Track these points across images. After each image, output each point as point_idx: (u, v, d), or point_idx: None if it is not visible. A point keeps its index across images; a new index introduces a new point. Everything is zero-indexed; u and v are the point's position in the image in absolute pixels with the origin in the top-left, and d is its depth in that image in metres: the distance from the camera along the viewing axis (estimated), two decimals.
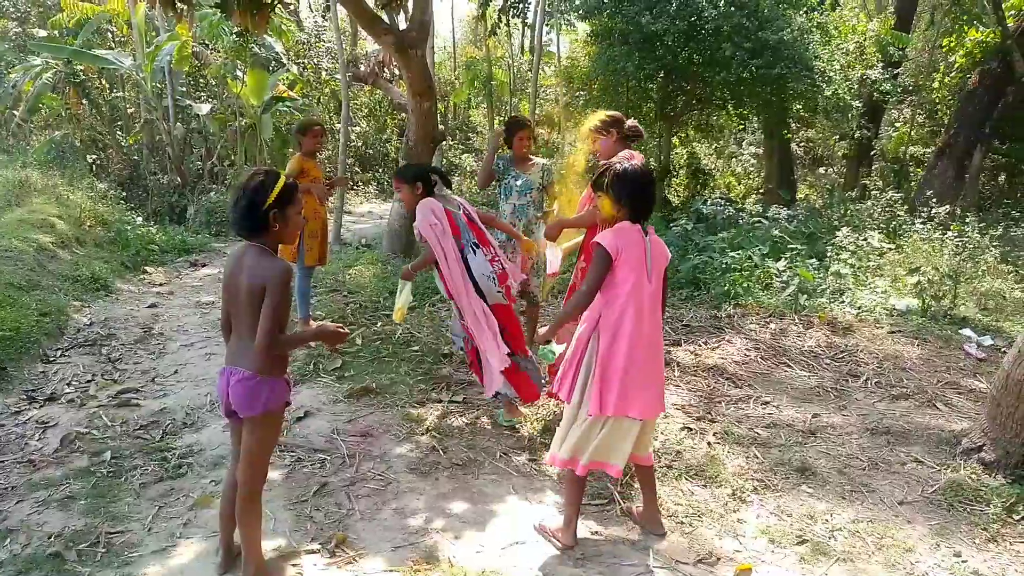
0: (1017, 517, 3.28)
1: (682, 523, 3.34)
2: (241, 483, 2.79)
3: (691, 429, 4.23)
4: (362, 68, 10.81)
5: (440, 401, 4.66)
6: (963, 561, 3.01)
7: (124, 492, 3.66)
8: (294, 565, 3.03)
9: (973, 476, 3.61)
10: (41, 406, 4.65)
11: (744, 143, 17.54)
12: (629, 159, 3.66)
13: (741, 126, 16.18)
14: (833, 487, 3.59)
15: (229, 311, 2.77)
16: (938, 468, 3.73)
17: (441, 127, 15.37)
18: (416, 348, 5.51)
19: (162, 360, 5.58)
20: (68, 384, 5.03)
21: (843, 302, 6.57)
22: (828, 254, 7.72)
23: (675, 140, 15.60)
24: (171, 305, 7.19)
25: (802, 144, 18.24)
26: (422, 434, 4.24)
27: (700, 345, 5.64)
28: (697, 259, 7.50)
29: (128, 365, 5.50)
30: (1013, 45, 10.83)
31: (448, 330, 4.63)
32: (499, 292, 4.16)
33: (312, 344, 5.37)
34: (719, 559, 3.07)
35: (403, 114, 18.01)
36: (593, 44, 14.37)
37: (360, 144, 18.39)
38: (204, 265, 9.19)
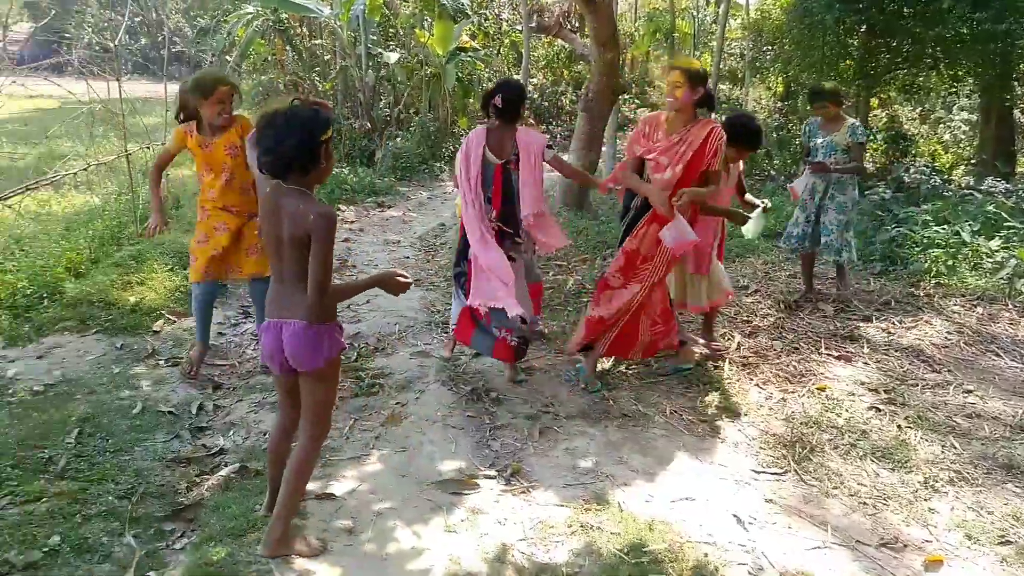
0: None
1: (864, 504, 3.19)
2: (310, 436, 2.70)
3: (879, 409, 3.99)
4: (546, 18, 10.81)
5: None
6: None
7: None
8: (320, 540, 2.87)
9: None
10: (255, 321, 5.20)
11: (955, 108, 15.76)
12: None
13: (953, 89, 14.55)
14: None
15: (274, 257, 2.57)
16: None
17: (622, 80, 15.08)
18: (586, 299, 5.56)
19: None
20: None
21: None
22: None
23: (874, 102, 14.34)
24: (362, 241, 7.72)
25: None
26: (590, 390, 4.30)
27: (894, 324, 5.24)
28: (895, 231, 6.92)
29: None
30: None
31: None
32: None
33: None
34: (906, 546, 2.91)
35: (579, 66, 17.89)
36: None
37: (536, 96, 18.50)
38: (390, 207, 9.74)
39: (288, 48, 14.75)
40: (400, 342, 4.87)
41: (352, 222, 8.48)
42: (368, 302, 5.63)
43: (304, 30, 15.52)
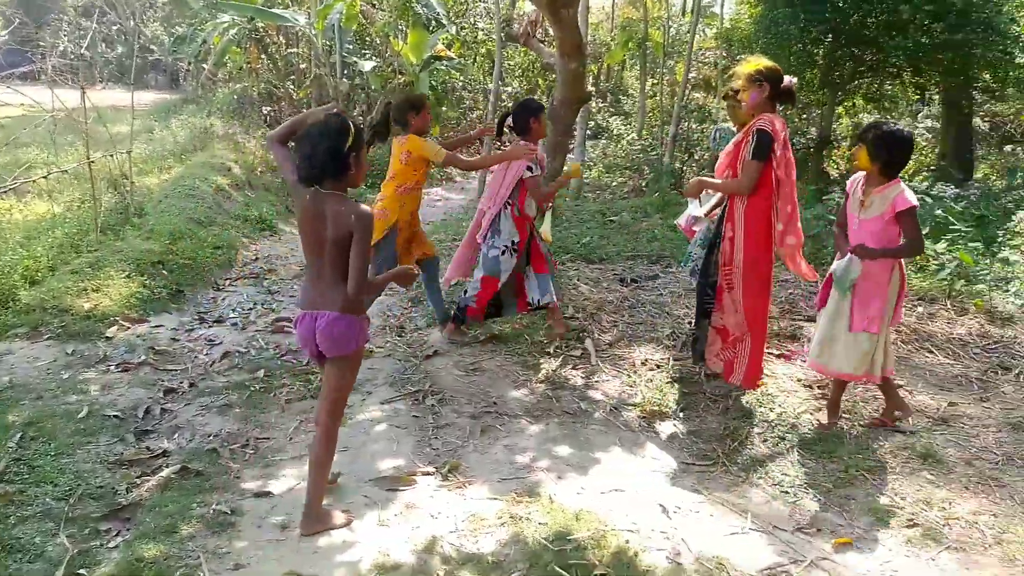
0: None
1: (786, 492, 3.31)
2: (324, 429, 2.92)
3: (815, 405, 4.12)
4: (515, 27, 10.96)
5: (557, 354, 4.81)
6: None
7: (272, 405, 4.13)
8: (344, 511, 3.10)
9: None
10: (210, 326, 5.28)
11: (919, 116, 16.08)
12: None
13: (917, 96, 14.86)
14: (958, 477, 3.40)
15: (312, 255, 2.82)
16: None
17: (591, 89, 15.25)
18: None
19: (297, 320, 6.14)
20: (233, 310, 5.66)
21: (1007, 291, 6.01)
22: (999, 239, 7.05)
23: (840, 109, 14.62)
24: None
25: (988, 120, 16.46)
26: (539, 382, 4.42)
27: None
28: None
29: (284, 297, 6.08)
30: None
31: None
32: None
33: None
34: (819, 530, 3.04)
35: (554, 75, 18.08)
36: (757, 4, 13.69)
37: (510, 105, 18.68)
38: None
39: (263, 56, 14.84)
40: None
41: None
42: None
43: (280, 39, 15.62)
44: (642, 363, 4.70)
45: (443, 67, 14.24)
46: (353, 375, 2.99)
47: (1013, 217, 7.31)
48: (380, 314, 5.58)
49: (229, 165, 9.27)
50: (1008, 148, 14.74)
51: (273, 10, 13.57)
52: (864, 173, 3.62)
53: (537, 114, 4.72)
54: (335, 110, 2.90)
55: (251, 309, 5.70)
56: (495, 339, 5.07)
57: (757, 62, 3.94)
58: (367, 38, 15.29)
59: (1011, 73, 11.29)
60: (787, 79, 3.88)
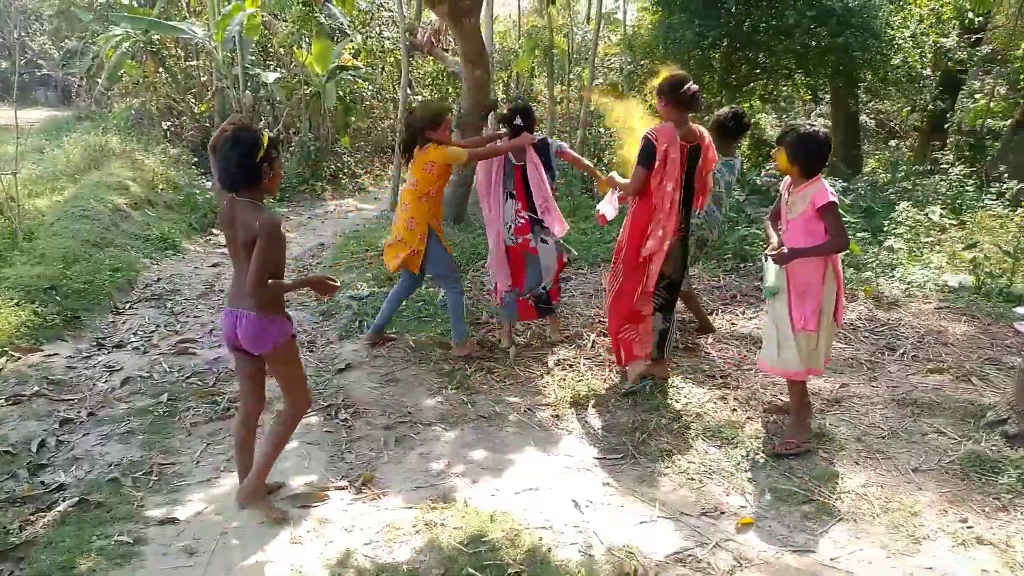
0: None
1: (692, 479, 3.45)
2: (288, 411, 3.14)
3: (717, 393, 4.29)
4: (419, 37, 10.97)
5: (472, 361, 4.84)
6: (968, 527, 3.02)
7: (177, 430, 4.00)
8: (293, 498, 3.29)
9: (994, 448, 3.58)
10: (109, 352, 5.06)
11: (812, 115, 16.97)
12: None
13: (810, 96, 15.65)
14: (848, 453, 3.62)
15: (233, 259, 3.05)
16: (959, 440, 3.70)
17: (501, 96, 15.37)
18: None
19: (220, 314, 5.95)
20: (134, 333, 5.44)
21: (893, 277, 6.42)
22: (885, 229, 7.52)
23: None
24: (230, 266, 7.57)
25: (874, 117, 17.53)
26: (453, 389, 4.44)
27: (737, 315, 5.65)
28: (746, 231, 7.42)
29: (189, 318, 5.89)
30: None
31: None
32: (513, 238, 4.84)
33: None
34: (723, 513, 3.17)
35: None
36: (655, 12, 14.14)
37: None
38: None
39: (161, 70, 14.31)
40: None
41: (225, 246, 8.30)
42: None
43: (179, 51, 15.09)
44: (556, 364, 4.79)
45: (350, 76, 14.09)
46: (292, 364, 3.12)
47: (896, 208, 7.80)
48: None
49: (127, 183, 8.88)
50: (893, 143, 15.70)
51: (169, 22, 13.12)
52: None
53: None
54: (240, 121, 2.96)
55: (153, 332, 5.49)
56: (407, 348, 5.06)
57: (661, 75, 4.10)
58: (270, 49, 14.97)
59: (890, 74, 12.06)
60: (687, 87, 3.98)
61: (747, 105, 15.51)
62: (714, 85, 13.27)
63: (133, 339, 5.31)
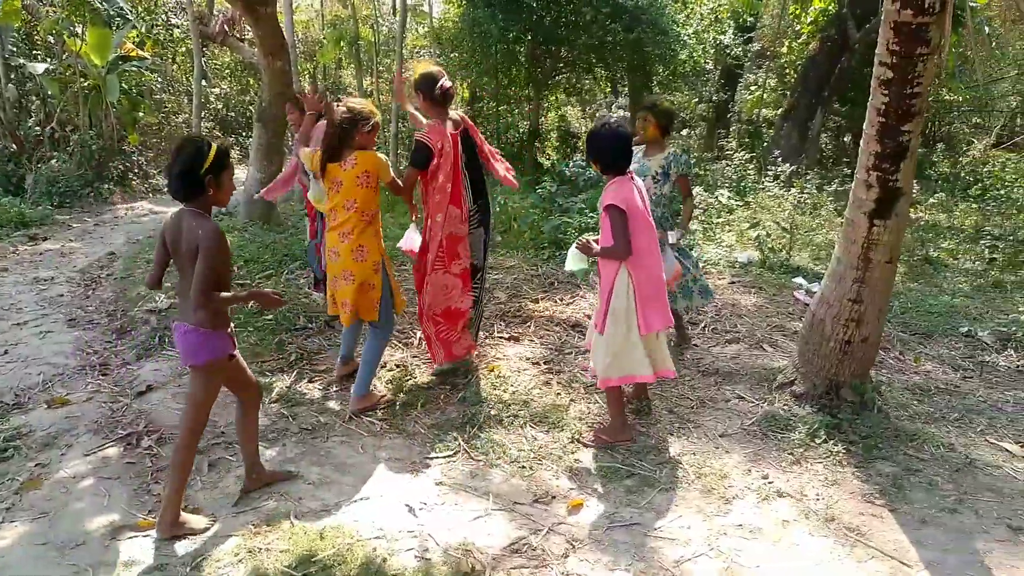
0: (819, 441, 3.64)
1: (523, 468, 3.49)
2: (182, 427, 3.03)
3: (541, 379, 4.39)
4: (212, 26, 10.21)
5: (291, 369, 4.59)
6: (769, 482, 3.33)
7: None
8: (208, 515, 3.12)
9: (785, 408, 3.98)
10: None
11: (613, 107, 18.00)
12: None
13: (610, 89, 16.57)
14: (663, 425, 3.85)
15: (179, 271, 2.93)
16: (757, 403, 4.08)
17: (308, 87, 14.73)
18: (270, 317, 5.35)
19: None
20: None
21: (689, 258, 6.95)
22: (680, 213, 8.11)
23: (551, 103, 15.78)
24: (4, 282, 6.64)
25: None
26: (271, 402, 4.18)
27: (556, 302, 5.83)
28: (559, 220, 7.70)
29: None
30: (848, 14, 11.62)
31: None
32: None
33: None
34: (554, 497, 3.25)
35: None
36: (459, 5, 14.25)
37: (220, 106, 17.46)
38: (45, 239, 8.52)
39: None
40: (43, 393, 4.27)
41: None
42: (6, 352, 4.87)
43: None
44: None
45: (135, 68, 12.86)
46: (208, 387, 3.01)
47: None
48: (76, 352, 4.88)
49: None
50: (684, 132, 17.03)
51: None
52: None
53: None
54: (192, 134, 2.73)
55: None
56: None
57: (416, 71, 4.16)
58: (37, 38, 13.28)
59: (678, 68, 13.05)
60: (441, 82, 4.05)
61: (552, 98, 16.14)
62: (520, 79, 13.65)
63: None
